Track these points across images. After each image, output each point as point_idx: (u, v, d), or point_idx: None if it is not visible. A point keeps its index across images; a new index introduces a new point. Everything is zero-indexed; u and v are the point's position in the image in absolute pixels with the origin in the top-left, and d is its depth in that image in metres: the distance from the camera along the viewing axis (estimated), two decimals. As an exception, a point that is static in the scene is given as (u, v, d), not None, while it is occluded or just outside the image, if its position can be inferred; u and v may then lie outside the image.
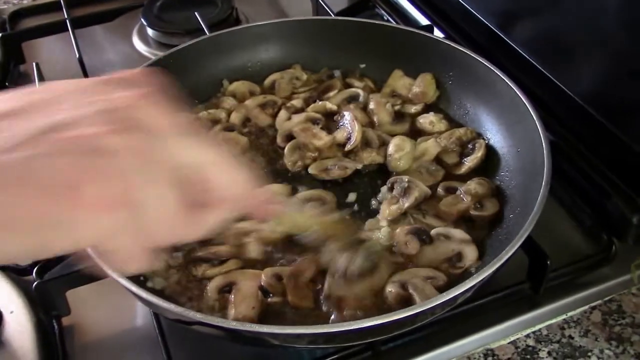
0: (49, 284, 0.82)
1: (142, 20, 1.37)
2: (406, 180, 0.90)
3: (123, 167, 0.42)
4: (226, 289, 0.79)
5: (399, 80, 1.09)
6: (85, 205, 0.41)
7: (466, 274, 0.79)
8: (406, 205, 0.88)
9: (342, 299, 0.77)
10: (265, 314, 0.77)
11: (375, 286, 0.78)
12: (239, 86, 1.10)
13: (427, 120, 1.03)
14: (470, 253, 0.82)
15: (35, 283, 0.82)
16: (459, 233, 0.85)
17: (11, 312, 0.84)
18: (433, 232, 0.85)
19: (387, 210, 0.88)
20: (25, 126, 0.42)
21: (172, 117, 0.46)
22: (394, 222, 0.87)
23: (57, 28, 1.36)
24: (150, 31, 1.38)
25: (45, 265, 0.88)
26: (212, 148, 0.48)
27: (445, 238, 0.84)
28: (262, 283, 0.79)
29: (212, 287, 0.80)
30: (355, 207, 0.92)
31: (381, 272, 0.79)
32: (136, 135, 0.43)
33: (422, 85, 1.06)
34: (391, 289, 0.78)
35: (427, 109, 1.06)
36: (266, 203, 0.60)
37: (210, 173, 0.48)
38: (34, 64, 1.22)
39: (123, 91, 0.45)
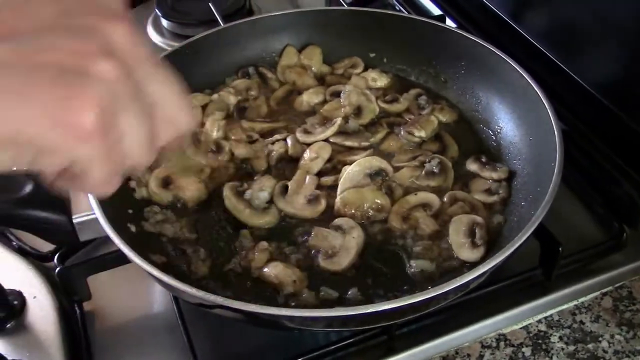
0: (71, 270, 0.84)
1: (157, 10, 1.38)
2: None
3: (106, 94, 0.43)
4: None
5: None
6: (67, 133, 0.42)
7: (477, 263, 0.81)
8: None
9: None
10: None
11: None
12: (239, 83, 1.10)
13: (369, 77, 1.10)
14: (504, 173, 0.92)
15: (58, 269, 0.83)
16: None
17: (34, 298, 0.86)
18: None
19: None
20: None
21: (144, 47, 0.47)
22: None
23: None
24: (164, 22, 1.39)
25: (67, 251, 0.90)
26: (172, 82, 0.50)
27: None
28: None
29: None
30: None
31: None
32: (117, 62, 0.44)
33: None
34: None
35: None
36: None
37: (169, 106, 0.49)
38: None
39: (99, 14, 0.46)
